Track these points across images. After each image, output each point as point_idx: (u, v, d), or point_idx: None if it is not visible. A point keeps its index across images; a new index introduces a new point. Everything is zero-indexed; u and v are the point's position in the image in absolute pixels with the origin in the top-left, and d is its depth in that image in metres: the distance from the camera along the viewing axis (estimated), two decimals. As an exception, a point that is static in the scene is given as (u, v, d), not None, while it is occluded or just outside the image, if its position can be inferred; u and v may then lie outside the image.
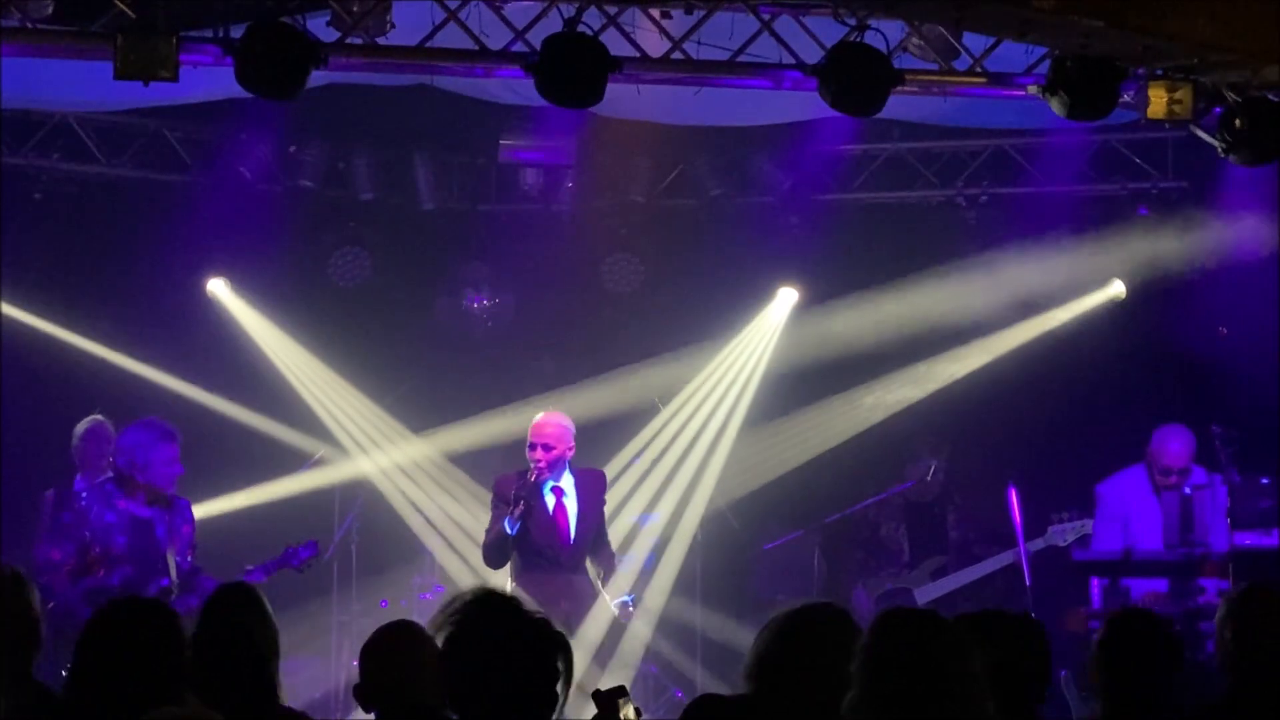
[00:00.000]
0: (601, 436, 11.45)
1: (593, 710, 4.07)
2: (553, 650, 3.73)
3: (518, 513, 9.01)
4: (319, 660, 10.73)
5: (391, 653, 5.09)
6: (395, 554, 11.32)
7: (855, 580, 10.67)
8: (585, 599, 9.23)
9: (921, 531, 10.72)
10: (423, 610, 10.62)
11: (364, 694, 5.07)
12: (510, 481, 9.19)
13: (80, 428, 9.77)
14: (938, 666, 3.85)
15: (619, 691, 4.32)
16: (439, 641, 3.74)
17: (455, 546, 11.30)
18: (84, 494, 8.59)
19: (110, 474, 8.82)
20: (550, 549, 9.18)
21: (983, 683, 3.89)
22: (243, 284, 11.44)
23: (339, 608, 10.86)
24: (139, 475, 8.55)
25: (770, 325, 11.85)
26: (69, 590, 8.36)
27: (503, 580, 9.20)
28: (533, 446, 9.12)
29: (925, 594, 10.32)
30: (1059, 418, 11.20)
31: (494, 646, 3.68)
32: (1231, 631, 5.17)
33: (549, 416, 9.30)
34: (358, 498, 11.16)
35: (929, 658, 3.85)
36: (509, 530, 9.01)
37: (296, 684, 9.71)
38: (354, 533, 10.89)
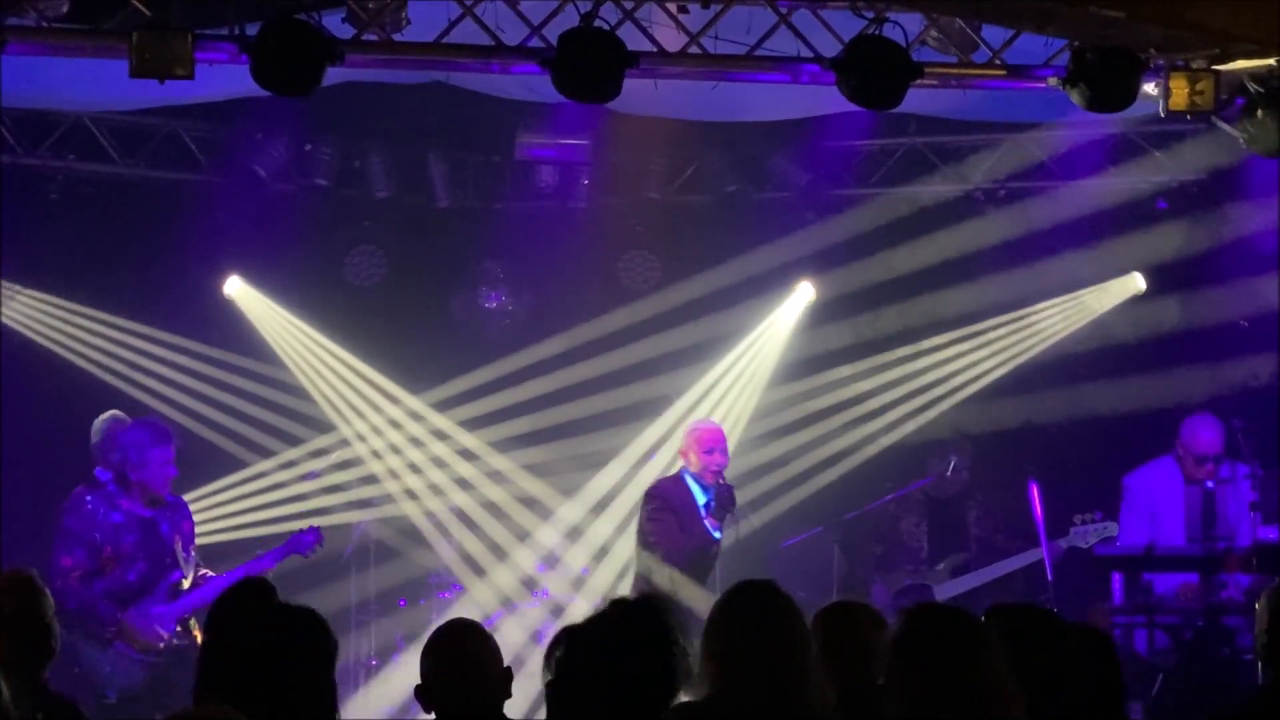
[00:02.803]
0: (618, 433, 11.43)
1: None
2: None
3: (731, 519, 9.34)
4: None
5: (452, 651, 5.01)
6: (413, 553, 11.29)
7: (873, 575, 10.61)
8: None
9: (942, 528, 10.66)
10: (441, 609, 10.60)
11: (425, 693, 4.99)
12: (670, 488, 9.45)
13: (97, 424, 9.78)
14: (968, 664, 3.82)
15: None
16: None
17: (468, 543, 11.30)
18: (89, 498, 8.60)
19: (110, 474, 8.84)
20: (711, 549, 9.47)
21: (1013, 680, 3.86)
22: (258, 283, 11.42)
23: (357, 608, 10.83)
24: (132, 474, 8.62)
25: (787, 320, 11.81)
26: (84, 593, 8.42)
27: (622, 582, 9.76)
28: (710, 451, 9.40)
29: (944, 591, 10.25)
30: (1079, 413, 11.13)
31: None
32: (1269, 623, 5.13)
33: (714, 423, 9.68)
34: (375, 496, 11.14)
35: (961, 654, 3.82)
36: (717, 536, 9.32)
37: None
38: (371, 532, 10.87)
